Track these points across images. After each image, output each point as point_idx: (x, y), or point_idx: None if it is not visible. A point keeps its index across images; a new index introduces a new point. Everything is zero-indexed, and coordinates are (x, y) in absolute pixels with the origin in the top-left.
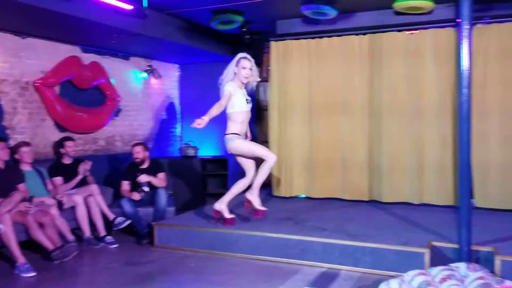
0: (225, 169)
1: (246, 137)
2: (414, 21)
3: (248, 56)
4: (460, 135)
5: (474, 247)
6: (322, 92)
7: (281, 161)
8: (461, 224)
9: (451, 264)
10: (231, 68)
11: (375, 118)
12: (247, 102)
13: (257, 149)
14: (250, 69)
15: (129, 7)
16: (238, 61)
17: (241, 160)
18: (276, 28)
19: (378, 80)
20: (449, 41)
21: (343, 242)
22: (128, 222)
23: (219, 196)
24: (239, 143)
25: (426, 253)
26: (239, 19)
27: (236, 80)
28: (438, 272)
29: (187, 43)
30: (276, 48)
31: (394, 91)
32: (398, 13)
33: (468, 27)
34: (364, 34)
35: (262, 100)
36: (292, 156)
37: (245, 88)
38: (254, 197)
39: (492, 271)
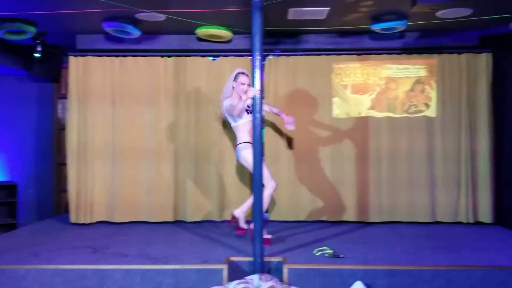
0: (13, 196)
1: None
2: (216, 48)
3: (245, 71)
4: (254, 155)
5: (267, 258)
6: (126, 109)
7: (80, 184)
8: (255, 238)
9: (247, 277)
10: (229, 83)
11: (182, 135)
12: (248, 112)
13: (265, 172)
14: (248, 84)
15: None
16: (236, 77)
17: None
18: (76, 43)
19: (184, 98)
20: (246, 69)
21: (144, 266)
22: None
23: (6, 227)
24: (248, 154)
25: (224, 268)
26: (31, 29)
27: (234, 95)
28: (234, 286)
29: None
30: (75, 63)
31: (198, 111)
32: (201, 39)
33: (259, 58)
34: (169, 56)
35: (61, 119)
36: (93, 178)
37: None
38: (240, 214)
39: (281, 279)
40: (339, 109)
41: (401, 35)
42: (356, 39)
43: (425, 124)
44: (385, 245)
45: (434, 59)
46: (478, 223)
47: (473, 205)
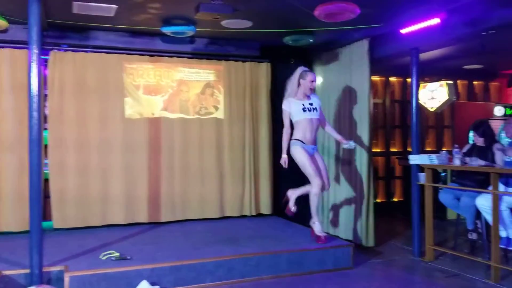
0: None
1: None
2: None
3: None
4: (30, 160)
5: (46, 269)
6: None
7: None
8: (31, 248)
9: None
10: (294, 81)
11: None
12: (304, 110)
13: (307, 169)
14: (313, 81)
15: None
16: (303, 75)
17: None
18: None
19: None
20: (25, 62)
21: None
22: None
23: None
24: (297, 152)
25: None
26: None
27: (299, 93)
28: None
29: None
30: None
31: None
32: None
33: (36, 51)
34: None
35: None
36: None
37: (307, 97)
38: (313, 225)
39: None
40: (131, 109)
41: (191, 40)
42: (148, 40)
43: (215, 125)
44: (174, 243)
45: (222, 65)
46: (260, 215)
47: (255, 198)
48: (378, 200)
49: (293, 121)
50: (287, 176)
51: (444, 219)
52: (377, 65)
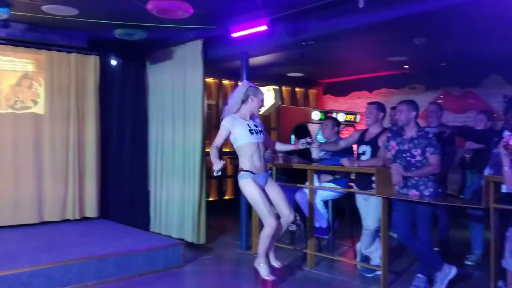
0: None
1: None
2: None
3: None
4: None
5: None
6: None
7: None
8: None
9: None
10: (238, 97)
11: None
12: (251, 132)
13: (259, 206)
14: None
15: None
16: (254, 92)
17: None
18: None
19: None
20: None
21: None
22: None
23: None
24: (247, 186)
25: None
26: None
27: (242, 110)
28: None
29: None
30: None
31: None
32: None
33: None
34: None
35: None
36: None
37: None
38: (259, 267)
39: None
40: None
41: (6, 24)
42: None
43: (33, 121)
44: None
45: (43, 55)
46: (85, 219)
47: (80, 201)
48: (210, 199)
49: (236, 146)
50: (116, 177)
51: None
52: (211, 66)
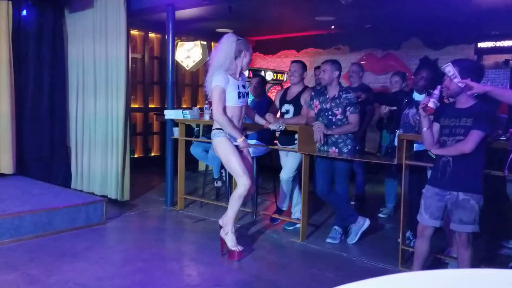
0: None
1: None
2: None
3: None
4: None
5: None
6: None
7: None
8: None
9: None
10: (232, 52)
11: None
12: (239, 96)
13: (233, 165)
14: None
15: None
16: (247, 46)
17: None
18: None
19: None
20: None
21: None
22: None
23: None
24: (222, 144)
25: None
26: None
27: (232, 68)
28: None
29: None
30: None
31: None
32: None
33: None
34: None
35: None
36: None
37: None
38: (226, 236)
39: None
40: None
41: None
42: None
43: None
44: None
45: None
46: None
47: None
48: (136, 156)
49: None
50: (34, 132)
51: (196, 171)
52: (136, 17)
